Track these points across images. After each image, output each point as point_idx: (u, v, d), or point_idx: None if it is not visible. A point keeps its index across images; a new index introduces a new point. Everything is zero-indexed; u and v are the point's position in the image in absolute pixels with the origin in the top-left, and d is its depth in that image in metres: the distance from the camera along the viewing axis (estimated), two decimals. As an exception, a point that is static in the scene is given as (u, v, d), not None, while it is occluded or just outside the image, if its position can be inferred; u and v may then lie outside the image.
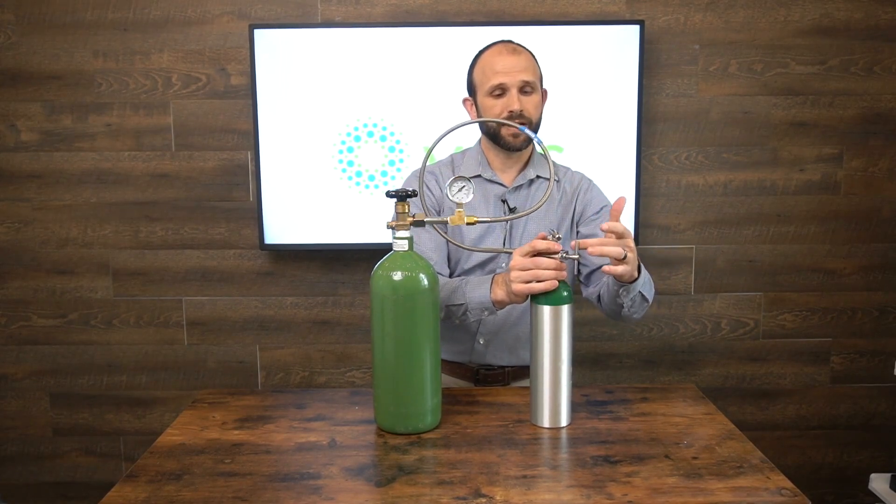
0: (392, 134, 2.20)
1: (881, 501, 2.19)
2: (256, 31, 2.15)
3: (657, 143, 2.28)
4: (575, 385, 1.27)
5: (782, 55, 2.25)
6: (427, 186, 1.56)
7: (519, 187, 1.56)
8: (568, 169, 1.64)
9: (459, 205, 1.31)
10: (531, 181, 1.56)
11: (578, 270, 1.55)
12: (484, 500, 0.99)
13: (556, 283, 1.22)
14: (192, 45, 2.23)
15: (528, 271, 1.24)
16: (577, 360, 2.28)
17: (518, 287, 1.25)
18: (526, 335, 1.56)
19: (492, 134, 1.52)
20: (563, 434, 1.22)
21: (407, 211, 1.25)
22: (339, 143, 2.21)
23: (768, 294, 2.35)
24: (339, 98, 2.19)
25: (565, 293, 1.22)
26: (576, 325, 1.28)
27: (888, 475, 2.20)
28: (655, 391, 1.43)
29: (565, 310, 1.22)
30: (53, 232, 2.31)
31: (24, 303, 2.34)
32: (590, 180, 1.62)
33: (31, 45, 2.23)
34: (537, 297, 1.22)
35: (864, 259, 2.34)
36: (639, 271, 1.36)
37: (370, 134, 2.21)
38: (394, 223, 1.24)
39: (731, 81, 2.26)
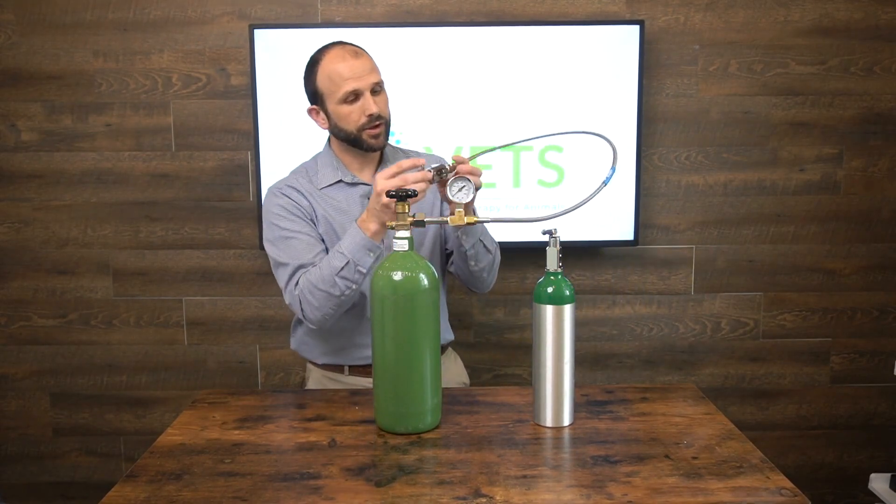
0: (392, 134, 2.19)
1: (881, 501, 2.19)
2: (256, 31, 2.15)
3: (657, 143, 2.28)
4: (575, 385, 1.28)
5: (782, 55, 2.25)
6: (297, 203, 1.53)
7: None
8: (418, 152, 1.69)
9: (459, 205, 1.32)
10: None
11: (448, 256, 1.64)
12: (484, 500, 0.99)
13: (422, 185, 1.31)
14: (192, 45, 2.23)
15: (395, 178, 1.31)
16: (577, 360, 2.27)
17: (384, 184, 1.31)
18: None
19: (352, 139, 1.51)
20: (563, 434, 1.22)
21: (407, 211, 1.25)
22: (339, 143, 2.21)
23: (768, 294, 2.35)
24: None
25: (567, 292, 1.22)
26: (576, 324, 1.28)
27: (888, 475, 2.20)
28: (655, 391, 1.43)
29: (567, 309, 1.22)
30: (53, 232, 2.31)
31: (25, 303, 2.34)
32: (440, 157, 1.63)
33: (31, 45, 2.23)
34: (540, 297, 1.22)
35: (863, 259, 2.34)
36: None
37: (370, 134, 2.20)
38: (394, 223, 1.24)
39: (731, 81, 2.26)
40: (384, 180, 1.32)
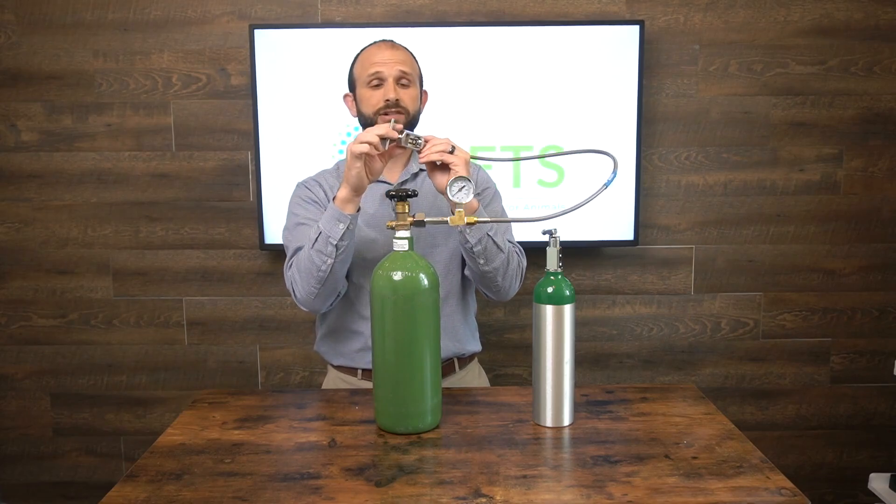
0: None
1: (881, 501, 2.19)
2: (256, 31, 2.15)
3: (657, 143, 2.28)
4: (575, 385, 1.28)
5: (782, 55, 2.25)
6: (315, 194, 1.56)
7: (403, 182, 1.58)
8: None
9: (458, 204, 1.31)
10: (415, 175, 1.59)
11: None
12: (484, 500, 0.99)
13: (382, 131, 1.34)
14: (193, 45, 2.23)
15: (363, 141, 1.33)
16: (577, 360, 2.28)
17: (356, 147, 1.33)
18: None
19: (369, 124, 1.51)
20: (563, 434, 1.22)
21: (407, 211, 1.25)
22: (340, 144, 2.21)
23: (768, 294, 2.35)
24: (340, 98, 2.18)
25: (567, 292, 1.22)
26: (576, 324, 1.28)
27: (888, 475, 2.21)
28: (655, 391, 1.43)
29: (567, 309, 1.22)
30: (54, 232, 2.31)
31: (25, 303, 2.34)
32: (476, 164, 1.66)
33: (31, 45, 2.23)
34: (540, 297, 1.23)
35: (863, 259, 2.34)
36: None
37: (370, 134, 2.20)
38: (394, 223, 1.24)
39: (731, 81, 2.26)
40: (352, 145, 1.34)
